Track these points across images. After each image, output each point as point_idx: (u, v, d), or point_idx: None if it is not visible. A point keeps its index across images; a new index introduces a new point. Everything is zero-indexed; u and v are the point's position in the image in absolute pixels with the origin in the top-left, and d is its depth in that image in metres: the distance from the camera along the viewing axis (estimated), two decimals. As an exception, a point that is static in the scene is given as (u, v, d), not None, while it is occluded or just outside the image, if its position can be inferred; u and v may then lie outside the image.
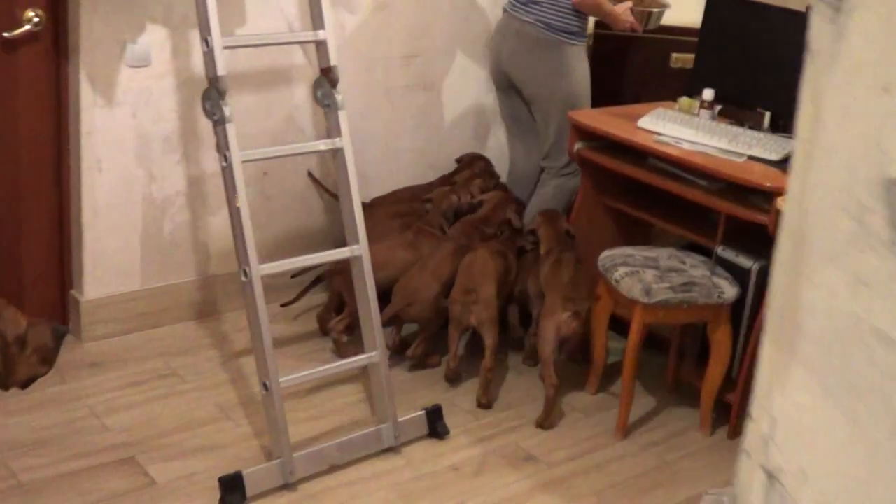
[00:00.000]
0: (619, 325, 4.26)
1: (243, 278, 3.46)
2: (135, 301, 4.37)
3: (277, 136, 4.52)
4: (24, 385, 2.64)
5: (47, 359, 2.66)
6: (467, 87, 5.13)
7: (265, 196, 4.58)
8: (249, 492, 3.41)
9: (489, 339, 4.07)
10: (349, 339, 4.27)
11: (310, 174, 4.72)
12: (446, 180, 4.88)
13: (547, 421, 4.01)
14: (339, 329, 4.31)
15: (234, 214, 3.45)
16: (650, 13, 4.60)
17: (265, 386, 3.49)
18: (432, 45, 4.94)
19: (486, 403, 4.12)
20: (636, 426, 4.09)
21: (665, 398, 4.30)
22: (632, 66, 5.15)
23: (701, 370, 4.16)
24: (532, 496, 3.63)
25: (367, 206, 4.28)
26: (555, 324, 4.00)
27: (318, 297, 4.65)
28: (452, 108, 5.12)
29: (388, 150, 4.94)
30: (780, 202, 3.61)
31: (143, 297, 4.39)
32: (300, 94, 4.53)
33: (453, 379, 4.25)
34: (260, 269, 3.47)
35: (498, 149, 5.32)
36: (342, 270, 4.12)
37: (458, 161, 5.01)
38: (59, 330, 2.67)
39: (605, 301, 4.12)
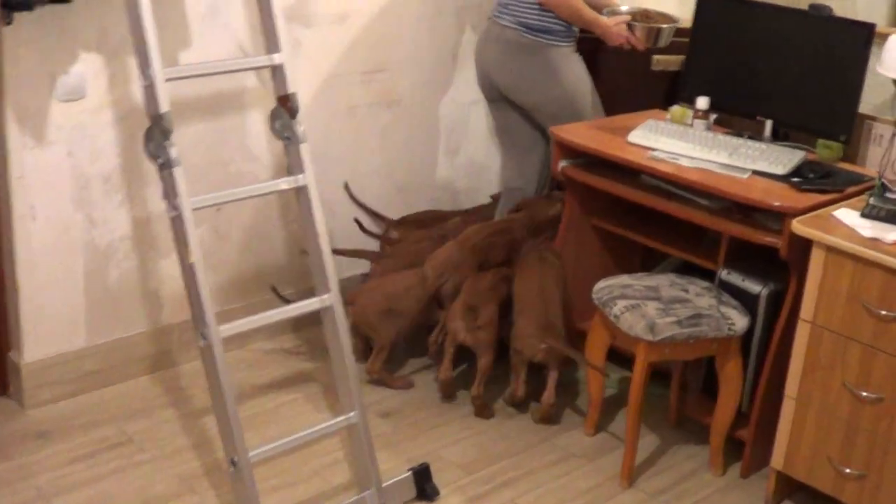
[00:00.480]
0: (613, 352, 3.86)
1: (201, 343, 3.06)
2: (81, 360, 3.95)
3: (231, 166, 4.12)
4: None
5: None
6: (435, 102, 4.74)
7: (219, 234, 4.17)
8: (220, 586, 3.02)
9: (483, 362, 3.91)
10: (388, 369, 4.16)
11: (346, 187, 4.50)
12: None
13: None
14: (376, 370, 4.07)
15: (187, 271, 3.04)
16: (659, 30, 4.08)
17: (232, 462, 3.09)
18: (396, 58, 4.54)
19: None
20: (641, 469, 3.73)
21: (669, 435, 3.94)
22: (609, 69, 4.75)
23: (706, 404, 3.83)
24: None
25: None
26: (530, 352, 3.85)
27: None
28: (420, 125, 4.72)
29: (353, 172, 4.54)
30: (798, 226, 3.25)
31: (91, 354, 3.97)
32: (254, 119, 4.12)
33: (445, 394, 4.06)
34: (220, 332, 3.06)
35: (469, 165, 4.94)
36: (352, 302, 3.99)
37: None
38: None
39: (601, 335, 3.75)
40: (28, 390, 3.85)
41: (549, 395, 3.89)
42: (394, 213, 4.69)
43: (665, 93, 4.51)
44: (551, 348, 3.81)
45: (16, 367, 3.85)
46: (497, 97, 4.51)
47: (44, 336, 3.85)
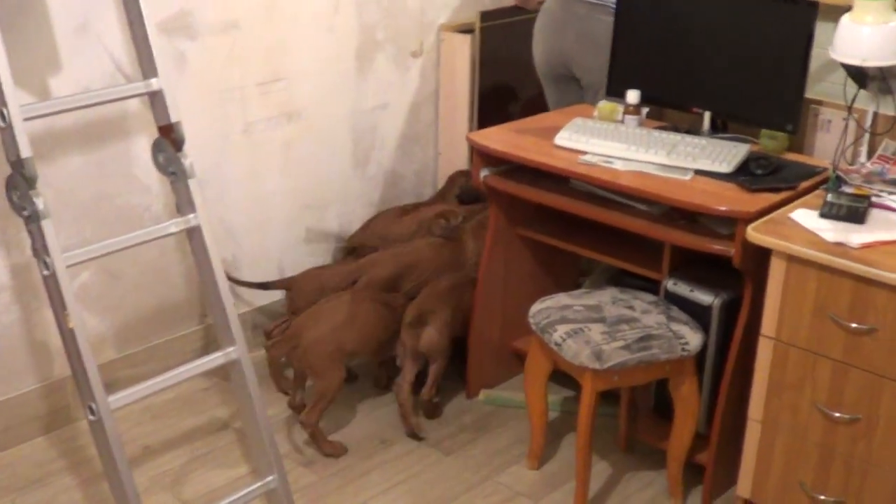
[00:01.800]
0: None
1: (90, 417, 2.67)
2: (-36, 426, 3.54)
3: (118, 199, 3.71)
4: None
5: None
6: (341, 110, 4.34)
7: (111, 274, 3.77)
8: None
9: (434, 367, 3.74)
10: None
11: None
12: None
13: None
14: (312, 422, 3.59)
15: (67, 336, 2.65)
16: None
17: (137, 550, 2.71)
18: (294, 65, 4.13)
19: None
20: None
21: (621, 463, 3.62)
22: (519, 57, 4.42)
23: (659, 425, 3.53)
24: None
25: None
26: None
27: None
28: (325, 136, 4.32)
29: (253, 196, 4.13)
30: (754, 234, 2.92)
31: (-25, 419, 3.55)
32: (141, 147, 3.71)
33: (431, 416, 3.88)
34: (111, 402, 2.67)
35: (382, 175, 4.56)
36: (295, 339, 3.63)
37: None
38: None
39: (541, 362, 3.41)
40: None
41: (427, 389, 3.73)
42: (304, 235, 4.31)
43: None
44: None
45: None
46: (563, 77, 4.17)
47: (-82, 404, 3.43)
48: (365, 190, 4.52)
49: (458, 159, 4.54)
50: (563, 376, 3.59)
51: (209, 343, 4.04)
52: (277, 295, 4.23)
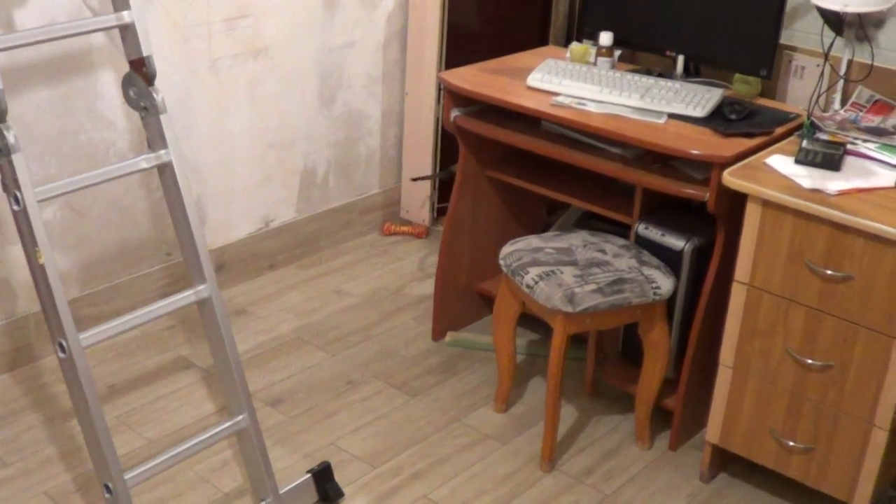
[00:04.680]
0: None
1: (60, 354, 2.62)
2: (-75, 363, 3.48)
3: (81, 134, 3.64)
4: None
5: None
6: (307, 48, 4.27)
7: (76, 211, 3.70)
8: None
9: None
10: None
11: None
12: None
13: None
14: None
15: (38, 273, 2.59)
16: None
17: (107, 488, 2.68)
18: (260, 2, 4.05)
19: None
20: (561, 448, 3.42)
21: (587, 406, 3.62)
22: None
23: (626, 369, 3.54)
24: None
25: None
26: None
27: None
28: (291, 75, 4.26)
29: (219, 133, 4.07)
30: (730, 178, 2.92)
31: (-64, 356, 3.50)
32: (105, 81, 3.64)
33: None
34: (82, 340, 2.63)
35: (347, 114, 4.51)
36: None
37: None
38: None
39: (510, 304, 3.40)
40: None
41: None
42: (270, 173, 4.26)
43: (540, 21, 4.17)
44: None
45: None
46: None
47: None
48: (330, 129, 4.47)
49: (426, 100, 4.50)
50: (528, 319, 3.59)
51: (174, 282, 4.00)
52: (242, 233, 4.20)
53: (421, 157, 4.64)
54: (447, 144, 4.45)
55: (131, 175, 3.65)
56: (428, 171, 4.63)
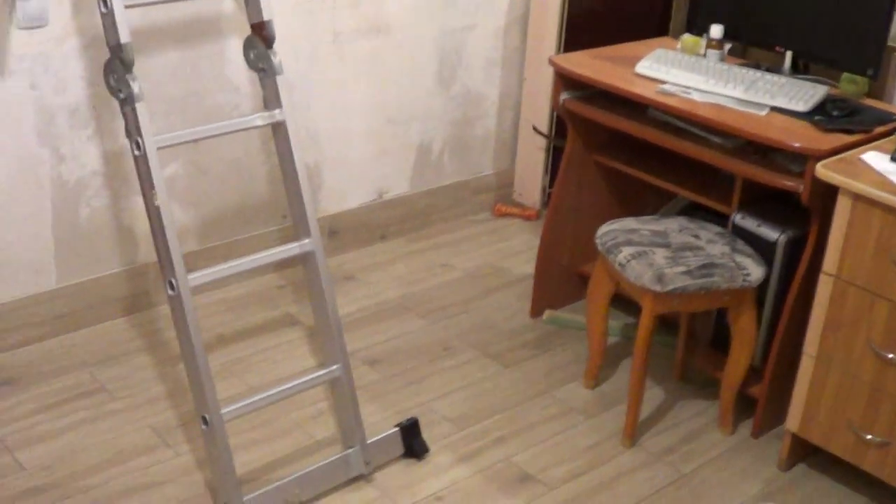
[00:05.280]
0: (616, 296, 3.60)
1: (170, 292, 2.81)
2: (51, 301, 3.71)
3: (208, 98, 3.84)
4: None
5: None
6: (428, 28, 4.42)
7: (198, 168, 3.90)
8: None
9: None
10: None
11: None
12: None
13: None
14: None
15: (153, 214, 2.79)
16: None
17: (204, 420, 2.86)
18: (385, -21, 4.22)
19: None
20: (644, 427, 3.50)
21: (674, 390, 3.71)
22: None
23: (715, 357, 3.60)
24: (532, 530, 3.03)
25: None
26: None
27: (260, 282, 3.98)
28: (411, 53, 4.41)
29: (339, 104, 4.24)
30: (822, 170, 2.98)
31: (61, 295, 3.72)
32: (233, 47, 3.83)
33: None
34: (190, 280, 2.81)
35: (464, 95, 4.65)
36: None
37: None
38: None
39: (604, 282, 3.50)
40: (-8, 335, 3.61)
41: None
42: (386, 147, 4.42)
43: (659, 15, 4.23)
44: None
45: (-21, 311, 3.61)
46: None
47: (11, 277, 3.61)
48: (447, 109, 4.61)
49: (544, 86, 4.60)
50: (626, 303, 3.69)
51: (287, 242, 4.17)
52: (355, 203, 4.36)
53: (535, 141, 4.75)
54: (561, 131, 4.55)
55: (252, 139, 3.87)
56: (541, 158, 4.74)
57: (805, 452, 3.36)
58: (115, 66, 2.76)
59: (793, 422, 3.27)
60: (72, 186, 3.64)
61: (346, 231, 4.38)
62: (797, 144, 3.13)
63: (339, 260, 4.33)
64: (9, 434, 3.26)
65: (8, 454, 3.18)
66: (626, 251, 3.30)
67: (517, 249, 4.58)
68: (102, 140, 3.64)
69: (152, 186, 2.76)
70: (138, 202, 3.73)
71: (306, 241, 3.04)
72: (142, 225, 3.80)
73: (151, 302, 3.93)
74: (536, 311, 4.09)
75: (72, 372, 3.57)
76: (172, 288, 2.80)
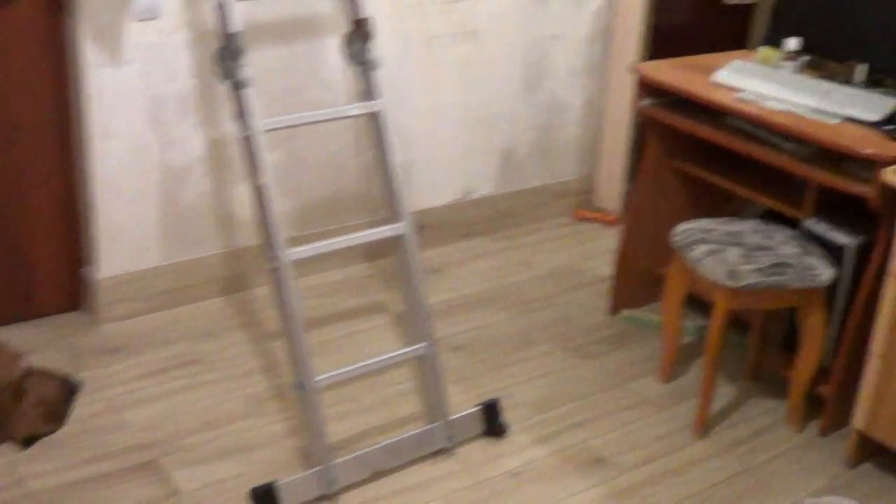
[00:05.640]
0: (693, 300, 3.77)
1: (271, 265, 3.02)
2: (155, 278, 3.95)
3: (303, 93, 4.06)
4: (25, 443, 2.15)
5: (55, 414, 2.16)
6: (515, 35, 4.62)
7: (294, 160, 4.13)
8: (285, 504, 3.00)
9: None
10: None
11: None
12: None
13: None
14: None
15: (258, 192, 3.00)
16: None
17: (300, 386, 3.06)
18: (478, -12, 4.44)
19: None
20: (716, 421, 3.64)
21: (746, 388, 3.84)
22: (677, 2, 4.63)
23: (787, 357, 3.72)
24: (599, 507, 3.19)
25: None
26: None
27: (349, 270, 4.20)
28: (499, 59, 4.62)
29: (430, 106, 4.46)
30: (891, 175, 3.13)
31: (164, 273, 3.96)
32: (330, 47, 4.05)
33: None
34: (290, 254, 3.02)
35: (549, 101, 4.84)
36: None
37: None
38: (70, 383, 2.18)
39: (679, 280, 3.66)
40: (102, 306, 3.85)
41: None
42: (473, 148, 4.62)
43: (736, 30, 4.36)
44: None
45: (91, 283, 3.85)
46: None
47: (119, 253, 3.85)
48: (532, 114, 4.81)
49: (626, 96, 4.78)
50: (701, 306, 3.84)
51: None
52: (442, 200, 4.56)
53: (617, 149, 4.92)
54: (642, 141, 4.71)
55: (345, 135, 4.09)
56: (623, 165, 4.91)
57: (871, 451, 3.48)
58: (226, 54, 2.99)
59: (859, 420, 3.39)
60: (177, 171, 3.87)
61: (432, 227, 4.57)
62: (868, 151, 3.27)
63: (426, 254, 4.52)
64: (116, 395, 3.49)
65: (116, 413, 3.41)
66: (702, 248, 3.46)
67: (597, 252, 4.75)
68: (207, 129, 3.87)
69: (258, 166, 2.97)
70: (238, 189, 3.97)
71: (398, 224, 3.23)
72: (241, 211, 4.03)
73: (247, 284, 4.15)
74: (614, 310, 4.25)
75: (173, 344, 3.81)
76: (273, 260, 3.01)
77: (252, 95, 3.01)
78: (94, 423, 3.36)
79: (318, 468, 3.08)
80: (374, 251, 4.39)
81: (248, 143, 3.01)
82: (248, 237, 4.07)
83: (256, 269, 4.11)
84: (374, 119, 3.24)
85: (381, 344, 3.88)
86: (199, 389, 3.58)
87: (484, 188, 4.76)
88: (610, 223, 5.01)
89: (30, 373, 2.08)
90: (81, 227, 3.84)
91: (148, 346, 3.78)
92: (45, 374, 2.14)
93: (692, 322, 4.08)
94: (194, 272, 4.02)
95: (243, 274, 4.13)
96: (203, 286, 4.06)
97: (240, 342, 3.85)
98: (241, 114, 3.01)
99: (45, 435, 2.16)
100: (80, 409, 3.38)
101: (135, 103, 3.71)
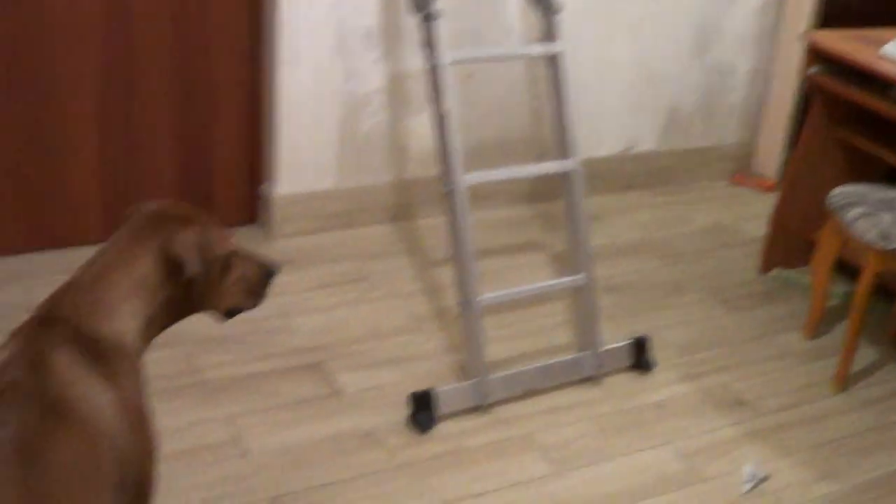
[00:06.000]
0: (842, 266, 3.87)
1: (446, 188, 3.22)
2: (329, 200, 4.18)
3: (481, 36, 4.24)
4: (227, 314, 2.35)
5: (254, 292, 2.37)
6: (690, -2, 4.76)
7: (467, 101, 4.31)
8: (440, 410, 3.23)
9: None
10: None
11: None
12: None
13: None
14: None
15: (439, 120, 3.20)
16: None
17: (464, 303, 3.26)
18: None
19: None
20: (855, 379, 3.75)
21: (887, 352, 3.94)
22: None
23: (933, 325, 3.80)
24: (740, 444, 3.33)
25: None
26: None
27: (505, 212, 4.39)
28: (673, 19, 4.75)
29: (601, 59, 4.61)
30: None
31: (338, 196, 4.20)
32: (512, -9, 4.24)
33: None
34: (465, 179, 3.22)
35: (717, 65, 4.95)
36: None
37: None
38: (269, 266, 2.39)
39: (831, 241, 3.76)
40: (277, 222, 4.10)
41: None
42: (640, 104, 4.77)
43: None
44: None
45: (268, 199, 4.10)
46: None
47: (296, 174, 4.09)
48: (699, 77, 4.94)
49: (794, 65, 4.86)
50: (850, 273, 3.93)
51: (538, 182, 4.57)
52: (606, 152, 4.72)
53: (780, 116, 5.02)
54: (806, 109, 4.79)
55: (517, 80, 4.26)
56: (784, 133, 5.00)
57: None
58: (421, -11, 3.19)
59: None
60: (357, 101, 4.10)
61: (595, 177, 4.72)
62: None
63: (587, 203, 4.66)
64: (287, 303, 3.73)
65: (286, 318, 3.65)
66: (856, 211, 3.56)
67: (751, 215, 4.86)
68: (388, 62, 4.09)
69: (442, 94, 3.17)
70: (414, 123, 4.18)
71: (567, 161, 3.40)
72: (414, 143, 4.24)
73: (414, 214, 4.37)
74: (765, 269, 4.36)
75: (341, 262, 4.04)
76: (449, 184, 3.20)
77: (441, 28, 3.19)
78: (266, 325, 3.61)
79: (474, 380, 3.28)
80: (536, 194, 4.57)
81: (433, 73, 3.20)
82: (417, 169, 4.28)
83: (423, 200, 4.32)
84: (553, 61, 3.40)
85: (538, 278, 4.05)
86: (364, 304, 3.80)
87: (646, 144, 4.91)
88: (767, 189, 5.10)
89: (236, 252, 2.30)
90: (264, 146, 4.08)
91: (318, 262, 4.02)
92: (248, 255, 2.36)
93: (844, 286, 4.18)
94: (365, 198, 4.25)
95: (411, 204, 4.34)
96: (372, 212, 4.28)
97: (404, 266, 4.07)
98: (430, 45, 3.20)
99: (245, 310, 2.37)
100: (253, 312, 3.61)
101: (323, 33, 3.94)
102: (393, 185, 4.29)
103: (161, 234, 2.13)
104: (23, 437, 1.75)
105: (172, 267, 2.11)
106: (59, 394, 1.86)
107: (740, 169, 5.22)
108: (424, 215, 4.35)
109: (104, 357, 1.97)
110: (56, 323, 1.98)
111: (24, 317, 2.04)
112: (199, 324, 3.29)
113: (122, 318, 2.05)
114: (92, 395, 1.90)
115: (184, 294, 2.16)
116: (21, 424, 1.78)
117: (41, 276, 3.63)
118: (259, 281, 2.35)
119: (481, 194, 4.26)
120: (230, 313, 2.34)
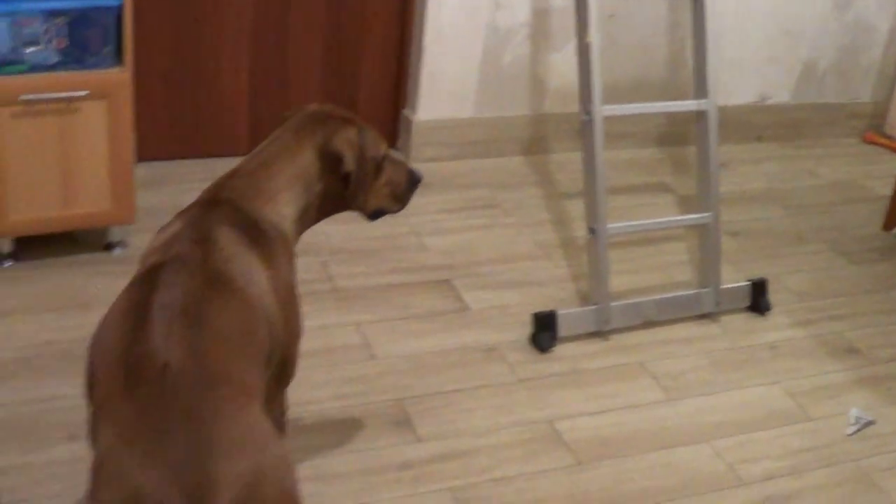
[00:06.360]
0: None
1: (584, 117, 3.34)
2: (466, 128, 4.33)
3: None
4: (372, 216, 2.47)
5: (399, 197, 2.51)
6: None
7: (610, 40, 4.41)
8: (561, 332, 3.35)
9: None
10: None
11: None
12: None
13: None
14: None
15: (583, 50, 3.32)
16: None
17: (592, 230, 3.39)
18: None
19: None
20: (970, 339, 3.80)
21: None
22: None
23: None
24: (850, 390, 3.41)
25: None
26: None
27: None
28: (819, -28, 4.80)
29: (739, 9, 4.66)
30: None
31: (475, 125, 4.34)
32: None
33: None
34: (602, 111, 3.33)
35: (857, 23, 4.99)
36: None
37: None
38: (415, 174, 2.53)
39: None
40: (416, 146, 4.26)
41: None
42: (776, 56, 4.82)
43: None
44: None
45: (408, 123, 4.27)
46: None
47: (437, 101, 4.24)
48: (839, 32, 4.97)
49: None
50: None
51: (671, 122, 4.66)
52: (739, 101, 4.79)
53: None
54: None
55: (660, 22, 4.35)
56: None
57: None
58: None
59: None
60: (502, 33, 4.22)
61: (726, 125, 4.76)
62: None
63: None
64: (420, 223, 3.90)
65: (418, 237, 3.82)
66: None
67: (880, 174, 4.89)
68: (536, -2, 4.22)
69: (587, 25, 3.28)
70: (554, 58, 4.30)
71: (703, 100, 3.50)
72: (553, 78, 4.36)
73: (547, 148, 4.50)
74: (889, 227, 4.41)
75: (474, 188, 4.20)
76: (587, 113, 3.32)
77: (589, -39, 3.31)
78: (399, 242, 3.78)
79: (595, 306, 3.41)
80: (668, 137, 4.67)
81: (581, 4, 3.31)
82: (554, 104, 4.41)
83: (557, 134, 4.44)
84: (698, 2, 3.49)
85: (664, 216, 4.15)
86: (493, 229, 3.95)
87: (780, 96, 4.96)
88: (897, 150, 5.14)
89: (387, 156, 2.45)
90: (409, 71, 4.24)
91: (452, 187, 4.18)
92: (398, 161, 2.51)
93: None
94: (502, 128, 4.39)
95: (545, 137, 4.47)
96: (507, 142, 4.42)
97: (534, 196, 4.21)
98: (578, -22, 3.32)
99: (389, 212, 2.52)
100: (387, 228, 3.78)
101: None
102: (530, 118, 4.42)
103: (323, 131, 2.28)
104: (188, 301, 1.90)
105: (331, 162, 2.26)
106: (221, 267, 2.02)
107: (872, 128, 5.25)
108: (558, 150, 4.47)
109: (263, 238, 2.13)
110: (221, 204, 2.15)
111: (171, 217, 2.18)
112: (335, 237, 3.50)
113: (281, 205, 2.21)
114: (250, 270, 2.06)
115: (338, 190, 2.30)
116: (186, 290, 1.93)
117: (189, 181, 3.83)
118: (406, 187, 2.49)
119: (614, 133, 4.35)
120: (375, 214, 2.48)
